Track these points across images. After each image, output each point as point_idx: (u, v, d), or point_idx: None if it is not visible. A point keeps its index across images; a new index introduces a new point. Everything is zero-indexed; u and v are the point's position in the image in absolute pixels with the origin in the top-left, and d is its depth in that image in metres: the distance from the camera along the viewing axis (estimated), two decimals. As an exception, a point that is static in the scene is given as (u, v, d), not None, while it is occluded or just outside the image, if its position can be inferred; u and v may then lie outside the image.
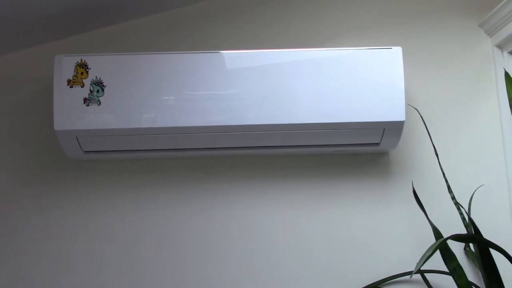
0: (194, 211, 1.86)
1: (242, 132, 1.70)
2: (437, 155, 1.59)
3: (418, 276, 1.73)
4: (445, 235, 1.61)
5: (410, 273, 1.79)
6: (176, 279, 1.82)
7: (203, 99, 1.69)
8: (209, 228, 1.85)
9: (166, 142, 1.76)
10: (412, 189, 1.61)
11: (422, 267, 1.76)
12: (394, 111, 1.68)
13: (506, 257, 1.42)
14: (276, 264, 1.82)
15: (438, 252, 1.51)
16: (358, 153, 1.89)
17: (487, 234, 1.77)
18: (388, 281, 1.80)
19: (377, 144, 1.79)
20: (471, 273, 1.80)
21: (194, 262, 1.83)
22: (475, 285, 1.57)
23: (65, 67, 1.68)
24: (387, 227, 1.84)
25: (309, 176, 1.89)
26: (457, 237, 1.30)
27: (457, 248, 1.81)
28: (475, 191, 1.71)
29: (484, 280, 1.50)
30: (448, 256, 1.51)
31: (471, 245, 1.81)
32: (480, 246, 1.47)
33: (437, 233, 1.56)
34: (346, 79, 1.69)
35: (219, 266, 1.83)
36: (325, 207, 1.86)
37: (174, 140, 1.75)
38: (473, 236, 1.38)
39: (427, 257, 1.20)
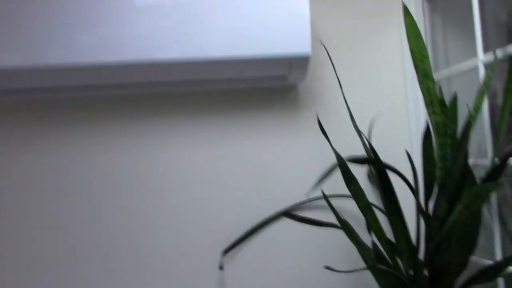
0: (102, 149, 1.84)
1: (153, 68, 1.68)
2: (341, 86, 1.66)
3: (324, 202, 1.84)
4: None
5: (318, 198, 1.90)
6: (85, 221, 1.83)
7: (112, 35, 1.63)
8: (120, 167, 1.85)
9: (72, 79, 1.70)
10: (317, 120, 1.69)
11: (327, 192, 1.89)
12: (300, 45, 1.72)
13: (401, 177, 1.53)
14: (192, 195, 1.86)
15: (342, 179, 1.62)
16: (267, 87, 1.93)
17: (387, 159, 1.91)
18: (298, 207, 1.90)
19: (285, 77, 1.83)
20: (373, 196, 1.94)
21: (110, 199, 1.83)
22: (374, 205, 1.69)
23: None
24: (296, 158, 1.92)
25: (220, 112, 1.91)
26: (353, 160, 1.38)
27: (360, 174, 1.94)
28: (375, 119, 1.82)
29: (382, 200, 1.62)
30: (350, 180, 1.61)
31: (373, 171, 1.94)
32: (378, 169, 1.57)
33: (340, 159, 1.65)
34: (252, 12, 1.69)
35: (132, 201, 1.84)
36: (237, 141, 1.90)
37: (81, 78, 1.69)
38: (368, 158, 1.46)
39: (323, 177, 1.28)
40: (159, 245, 1.84)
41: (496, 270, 1.42)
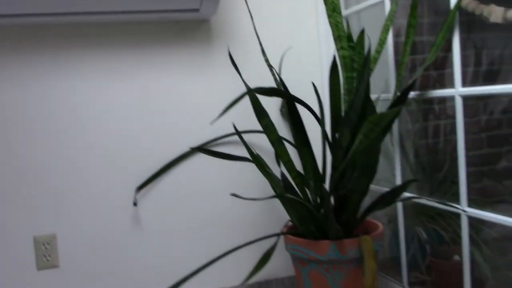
0: (14, 83, 1.74)
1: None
2: (252, 20, 1.65)
3: (237, 138, 1.86)
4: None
5: (230, 134, 1.92)
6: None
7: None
8: (26, 100, 1.76)
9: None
10: (228, 53, 1.68)
11: (240, 128, 1.91)
12: (211, -24, 1.68)
13: (308, 109, 1.58)
14: (105, 131, 1.82)
15: (254, 115, 1.64)
16: (180, 20, 1.88)
17: (299, 92, 1.95)
18: (211, 143, 1.92)
19: (197, 10, 1.79)
20: (285, 131, 1.99)
21: (22, 134, 1.75)
22: (284, 139, 1.74)
23: None
24: (209, 92, 1.92)
25: (132, 44, 1.84)
26: (262, 91, 1.40)
27: (273, 110, 1.97)
28: (285, 53, 1.84)
29: (292, 133, 1.67)
30: (261, 114, 1.63)
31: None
32: (287, 102, 1.61)
33: (249, 90, 1.65)
34: None
35: (44, 137, 1.77)
36: (149, 75, 1.86)
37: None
38: (276, 89, 1.48)
39: (230, 105, 1.28)
40: (73, 182, 1.80)
41: (394, 195, 1.52)
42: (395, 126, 1.71)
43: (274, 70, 1.64)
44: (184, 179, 1.90)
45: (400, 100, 1.51)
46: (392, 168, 1.72)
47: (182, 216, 1.91)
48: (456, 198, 1.42)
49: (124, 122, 1.83)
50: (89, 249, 1.81)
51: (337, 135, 1.61)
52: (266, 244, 2.00)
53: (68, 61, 1.78)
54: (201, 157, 1.92)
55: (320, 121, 1.63)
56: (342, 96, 1.65)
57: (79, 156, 1.80)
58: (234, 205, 1.96)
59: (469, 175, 1.88)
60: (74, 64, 1.78)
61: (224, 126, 1.93)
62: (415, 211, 1.85)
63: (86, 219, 1.81)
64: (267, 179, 1.61)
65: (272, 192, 1.98)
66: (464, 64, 1.97)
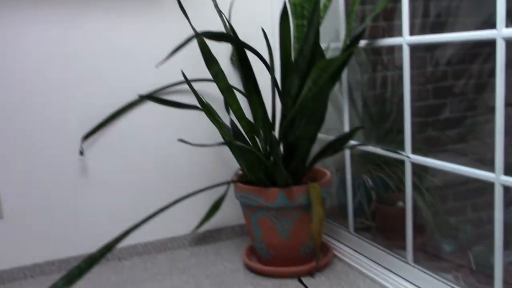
0: None
1: None
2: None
3: (187, 87, 1.84)
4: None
5: (180, 82, 1.89)
6: None
7: None
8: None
9: None
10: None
11: (190, 77, 1.88)
12: None
13: (257, 56, 1.56)
14: (49, 78, 1.75)
15: (204, 64, 1.61)
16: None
17: (249, 39, 1.92)
18: (162, 91, 1.88)
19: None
20: (235, 80, 1.97)
21: None
22: (234, 87, 1.73)
23: None
24: (158, 39, 1.86)
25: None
26: (210, 35, 1.37)
27: (224, 59, 1.94)
28: None
29: (242, 81, 1.65)
30: (211, 61, 1.61)
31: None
32: (237, 48, 1.58)
33: (197, 34, 1.62)
34: None
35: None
36: (96, 20, 1.78)
37: None
38: (224, 34, 1.45)
39: (175, 50, 1.26)
40: (14, 133, 1.73)
41: (341, 142, 1.55)
42: (345, 76, 1.73)
43: (223, 15, 1.61)
44: (133, 128, 1.87)
45: (349, 48, 1.51)
46: (341, 118, 1.74)
47: (130, 166, 1.88)
48: (402, 147, 1.46)
49: (69, 70, 1.77)
50: (34, 199, 1.77)
51: (287, 84, 1.61)
52: (216, 193, 2.01)
53: (7, 8, 1.68)
54: (150, 105, 1.88)
55: (270, 68, 1.62)
56: (292, 44, 1.64)
57: (20, 107, 1.73)
58: (184, 155, 1.95)
59: (414, 125, 1.94)
60: (14, 10, 1.69)
61: (174, 75, 1.90)
62: (362, 160, 1.89)
63: (30, 169, 1.76)
64: (217, 128, 1.61)
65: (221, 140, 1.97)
66: (412, 15, 1.99)
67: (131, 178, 1.89)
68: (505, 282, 1.24)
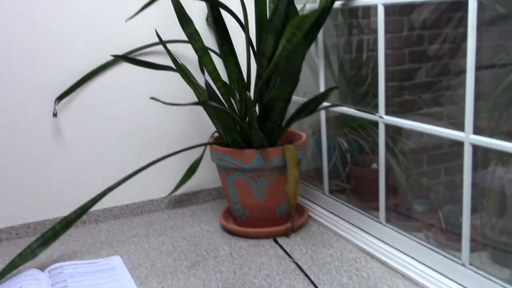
0: None
1: None
2: None
3: (162, 48, 1.82)
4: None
5: (154, 44, 1.87)
6: None
7: None
8: None
9: None
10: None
11: (165, 38, 1.85)
12: None
13: (232, 15, 1.55)
14: (20, 40, 1.71)
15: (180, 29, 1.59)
16: None
17: None
18: (137, 52, 1.86)
19: None
20: (210, 40, 1.95)
21: None
22: (209, 48, 1.71)
23: None
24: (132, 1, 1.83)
25: None
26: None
27: (199, 20, 1.92)
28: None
29: (217, 41, 1.64)
30: (185, 22, 1.59)
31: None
32: (212, 8, 1.56)
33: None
34: None
35: None
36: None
37: None
38: None
39: (145, 5, 1.24)
40: (-16, 94, 1.70)
41: (316, 103, 1.55)
42: (321, 39, 1.72)
43: (198, -26, 1.58)
44: (106, 90, 1.85)
45: (326, 10, 1.50)
46: (318, 82, 1.75)
47: (105, 128, 1.87)
48: (377, 111, 1.47)
49: (40, 28, 1.73)
50: (8, 162, 1.75)
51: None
52: (193, 156, 2.01)
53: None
54: (124, 67, 1.85)
55: (244, 27, 1.61)
56: (268, 3, 1.62)
57: (-8, 64, 1.69)
58: (160, 117, 1.94)
59: (390, 89, 1.95)
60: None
61: (148, 37, 1.87)
62: (338, 123, 1.90)
63: (3, 131, 1.73)
64: (192, 89, 1.60)
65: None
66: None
67: (106, 140, 1.88)
68: (472, 240, 1.28)
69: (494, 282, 1.19)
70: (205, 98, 1.59)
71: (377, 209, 1.57)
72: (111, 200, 1.92)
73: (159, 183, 1.98)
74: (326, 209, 1.82)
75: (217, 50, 1.94)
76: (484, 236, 1.42)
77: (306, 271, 1.44)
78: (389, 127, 1.50)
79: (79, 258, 1.60)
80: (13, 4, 1.68)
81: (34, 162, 1.79)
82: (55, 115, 1.77)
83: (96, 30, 1.79)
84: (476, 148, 1.23)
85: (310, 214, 1.83)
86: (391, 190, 1.74)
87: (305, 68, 1.92)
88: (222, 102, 1.64)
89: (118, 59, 1.80)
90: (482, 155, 1.52)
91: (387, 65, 1.46)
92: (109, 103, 1.86)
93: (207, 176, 2.06)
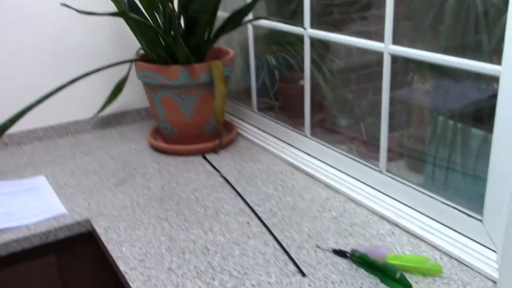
0: None
1: None
2: None
3: None
4: None
5: None
6: None
7: None
8: None
9: None
10: None
11: None
12: None
13: None
14: None
15: None
16: None
17: None
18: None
19: None
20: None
21: None
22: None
23: None
24: None
25: None
26: None
27: None
28: None
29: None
30: None
31: None
32: None
33: None
34: None
35: None
36: None
37: None
38: None
39: None
40: None
41: (242, 15, 1.52)
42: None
43: None
44: (20, 5, 1.72)
45: None
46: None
47: (21, 46, 1.76)
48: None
49: None
50: None
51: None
52: (119, 75, 1.94)
53: None
54: (38, -22, 1.73)
55: None
56: None
57: None
58: (81, 33, 1.84)
59: (318, 6, 1.94)
60: None
61: None
62: (266, 41, 1.89)
63: None
64: (113, 2, 1.52)
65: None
66: None
67: (23, 60, 1.78)
68: (390, 150, 1.34)
69: (407, 186, 1.26)
70: (125, 10, 1.52)
71: (303, 124, 1.60)
72: (34, 121, 1.84)
73: (84, 103, 1.92)
74: (254, 126, 1.84)
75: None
76: (401, 146, 1.49)
77: (233, 184, 1.47)
78: (317, 45, 1.51)
79: (1, 179, 1.55)
80: None
81: None
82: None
83: None
84: (395, 60, 1.27)
85: (239, 131, 1.84)
86: (317, 106, 1.78)
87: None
88: (145, 16, 1.58)
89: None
90: (402, 71, 1.57)
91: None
92: (24, 21, 1.74)
93: (135, 95, 2.01)
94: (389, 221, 1.24)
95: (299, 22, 1.89)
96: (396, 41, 1.23)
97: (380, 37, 1.24)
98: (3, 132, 1.49)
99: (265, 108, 1.87)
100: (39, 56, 1.80)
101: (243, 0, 1.80)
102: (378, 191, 1.34)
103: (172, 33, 1.59)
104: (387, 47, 1.25)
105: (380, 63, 1.28)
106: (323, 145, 1.53)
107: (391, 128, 1.32)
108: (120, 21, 1.88)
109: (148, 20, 1.59)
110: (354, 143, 1.61)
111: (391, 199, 1.30)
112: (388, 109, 1.30)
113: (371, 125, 1.59)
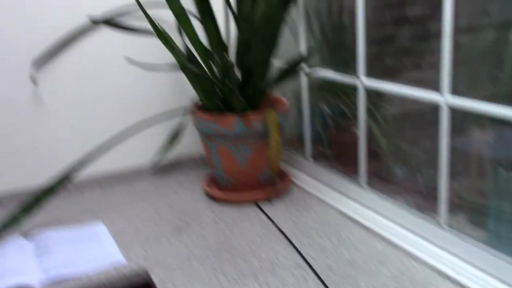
0: None
1: None
2: None
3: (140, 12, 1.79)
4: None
5: (135, 9, 1.83)
6: None
7: None
8: None
9: None
10: None
11: (142, 1, 1.81)
12: None
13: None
14: None
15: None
16: None
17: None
18: (113, 16, 1.83)
19: None
20: (189, 3, 1.92)
21: None
22: (188, 10, 1.68)
23: None
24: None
25: None
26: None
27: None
28: None
29: (195, 3, 1.61)
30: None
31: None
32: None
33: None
34: None
35: None
36: None
37: None
38: None
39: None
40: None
41: (296, 67, 1.55)
42: (301, 1, 1.70)
43: None
44: (86, 56, 1.82)
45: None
46: (299, 45, 1.73)
47: (85, 93, 1.85)
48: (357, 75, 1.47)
49: (14, -6, 1.69)
50: (-14, 130, 1.74)
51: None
52: (176, 123, 1.99)
53: None
54: (103, 30, 1.82)
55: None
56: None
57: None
58: (140, 84, 1.92)
59: (371, 53, 1.94)
60: None
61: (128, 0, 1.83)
62: (320, 89, 1.90)
63: (-20, 99, 1.71)
64: (171, 53, 1.57)
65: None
66: None
67: (87, 108, 1.86)
68: (450, 202, 1.30)
69: (469, 243, 1.21)
70: (184, 62, 1.57)
71: (358, 174, 1.59)
72: (94, 168, 1.91)
73: (143, 150, 1.98)
74: (308, 175, 1.83)
75: (196, 12, 1.90)
76: (461, 198, 1.44)
77: (287, 235, 1.46)
78: (370, 93, 1.50)
79: (62, 225, 1.61)
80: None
81: (12, 130, 1.77)
82: (34, 81, 1.74)
83: None
84: (454, 112, 1.24)
85: (293, 179, 1.84)
86: (372, 155, 1.75)
87: (287, 35, 1.91)
88: (202, 66, 1.63)
89: (97, 23, 1.77)
90: (460, 119, 1.54)
91: (367, 28, 1.45)
92: (89, 68, 1.83)
93: (191, 143, 2.05)
94: (451, 280, 1.19)
95: (353, 70, 1.90)
96: (453, 89, 1.21)
97: (435, 83, 1.22)
98: (67, 179, 1.55)
99: (319, 156, 1.87)
100: (101, 104, 1.88)
101: (296, 45, 1.83)
102: (438, 246, 1.30)
103: (228, 83, 1.63)
104: (445, 99, 1.23)
105: (435, 110, 1.26)
106: (379, 196, 1.50)
107: (449, 179, 1.29)
108: (179, 71, 1.95)
109: (205, 71, 1.64)
110: (411, 194, 1.57)
111: (452, 256, 1.25)
112: (447, 160, 1.27)
113: (428, 175, 1.56)
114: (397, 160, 1.81)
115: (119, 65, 1.86)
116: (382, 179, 1.73)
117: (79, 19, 1.78)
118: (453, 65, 1.20)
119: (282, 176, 1.84)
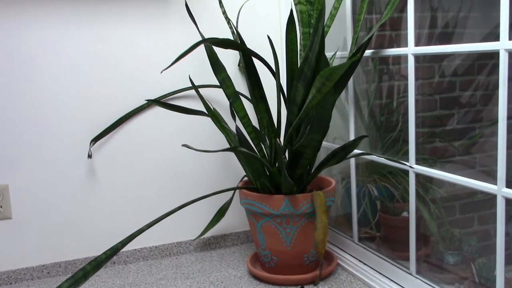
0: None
1: None
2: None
3: (194, 92, 1.86)
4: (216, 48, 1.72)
5: (187, 88, 1.91)
6: None
7: None
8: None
9: None
10: (185, 4, 1.65)
11: (197, 82, 1.89)
12: None
13: (263, 63, 1.58)
14: (58, 83, 1.78)
15: (212, 73, 1.63)
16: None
17: (257, 47, 1.94)
18: (169, 97, 1.90)
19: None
20: (242, 85, 1.99)
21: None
22: (241, 94, 1.75)
23: None
24: (166, 45, 1.89)
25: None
26: (215, 41, 1.39)
27: (232, 66, 1.96)
28: (242, 6, 1.83)
29: (248, 87, 1.67)
30: (218, 68, 1.63)
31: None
32: (244, 56, 1.60)
33: (204, 40, 1.64)
34: None
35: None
36: (107, 24, 1.81)
37: None
38: (230, 41, 1.45)
39: (182, 55, 1.28)
40: (26, 133, 1.76)
41: (346, 151, 1.55)
42: (351, 85, 1.74)
43: (231, 22, 1.62)
44: (140, 133, 1.89)
45: (352, 57, 1.52)
46: (348, 127, 1.75)
47: (137, 170, 1.90)
48: (407, 158, 1.46)
49: (79, 72, 1.80)
50: (42, 200, 1.80)
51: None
52: (222, 200, 2.02)
53: (24, 10, 1.71)
54: (157, 110, 1.90)
55: (276, 75, 1.64)
56: (299, 52, 1.65)
57: (32, 107, 1.76)
58: (191, 160, 1.96)
59: (421, 135, 1.93)
60: (30, 12, 1.72)
61: (182, 80, 1.92)
62: (367, 169, 1.89)
63: (39, 171, 1.78)
64: (223, 134, 1.62)
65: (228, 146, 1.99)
66: (419, 26, 2.00)
67: (138, 182, 1.91)
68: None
69: None
70: (235, 143, 1.61)
71: (407, 259, 1.54)
72: (141, 241, 1.93)
73: (188, 225, 1.99)
74: (355, 257, 1.79)
75: (248, 95, 1.97)
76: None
77: (333, 322, 1.42)
78: (419, 175, 1.48)
79: (106, 299, 1.61)
80: (52, 42, 1.76)
81: (67, 202, 1.83)
82: (90, 156, 1.82)
83: (130, 74, 1.85)
84: (509, 201, 1.21)
85: (339, 261, 1.80)
86: (422, 239, 1.71)
87: (335, 114, 1.93)
88: (252, 148, 1.66)
89: (151, 103, 1.85)
90: None
91: (417, 111, 1.45)
92: (142, 146, 1.90)
93: (236, 219, 2.06)
94: None
95: (401, 152, 1.89)
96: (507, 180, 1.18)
97: (484, 166, 1.20)
98: (115, 253, 1.57)
99: (366, 238, 1.83)
100: (152, 180, 1.93)
101: (345, 127, 1.85)
102: None
103: (277, 165, 1.64)
104: (501, 190, 1.20)
105: (483, 192, 1.22)
106: (429, 284, 1.45)
107: (507, 268, 1.23)
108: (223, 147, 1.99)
109: (255, 152, 1.67)
110: (464, 284, 1.51)
111: None
112: (504, 253, 1.22)
113: (483, 265, 1.49)
114: (448, 246, 1.75)
115: (171, 143, 1.93)
116: (432, 266, 1.67)
117: (138, 103, 1.87)
118: (507, 156, 1.18)
119: (328, 257, 1.80)
